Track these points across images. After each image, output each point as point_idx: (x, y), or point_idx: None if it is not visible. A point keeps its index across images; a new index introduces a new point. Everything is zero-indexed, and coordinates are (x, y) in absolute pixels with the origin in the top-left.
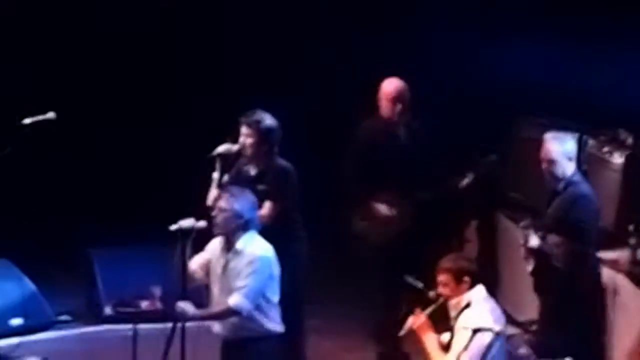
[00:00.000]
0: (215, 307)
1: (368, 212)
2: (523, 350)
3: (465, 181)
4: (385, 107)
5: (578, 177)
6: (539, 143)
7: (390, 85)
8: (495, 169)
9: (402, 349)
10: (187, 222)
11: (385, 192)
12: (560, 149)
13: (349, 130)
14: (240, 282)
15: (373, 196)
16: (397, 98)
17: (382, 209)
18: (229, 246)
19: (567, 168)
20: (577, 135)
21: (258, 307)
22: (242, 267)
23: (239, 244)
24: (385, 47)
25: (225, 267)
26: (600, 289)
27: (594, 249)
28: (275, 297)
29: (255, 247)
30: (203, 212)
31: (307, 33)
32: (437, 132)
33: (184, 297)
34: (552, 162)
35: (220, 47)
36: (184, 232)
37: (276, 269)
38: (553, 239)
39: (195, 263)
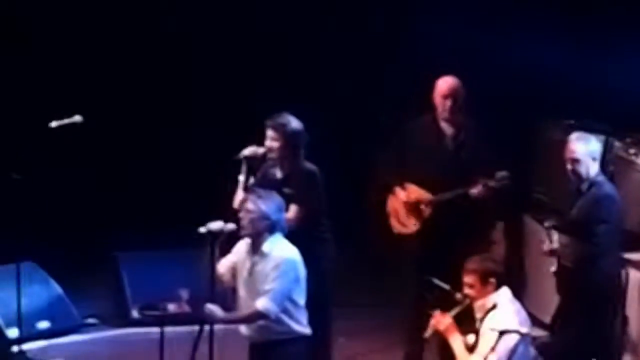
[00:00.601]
0: (243, 310)
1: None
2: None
3: (477, 189)
4: (438, 103)
5: (602, 178)
6: (565, 144)
7: (444, 83)
8: (506, 184)
9: (429, 350)
10: (215, 225)
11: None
12: (585, 149)
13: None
14: (266, 286)
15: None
16: (448, 95)
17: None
18: (255, 249)
19: (591, 168)
20: (603, 137)
21: (285, 310)
22: (269, 271)
23: (265, 247)
24: (401, 48)
25: (251, 270)
26: (620, 290)
27: (618, 249)
28: (302, 300)
29: (281, 250)
30: (229, 214)
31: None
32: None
33: (211, 300)
34: (576, 161)
35: (249, 47)
36: (213, 235)
37: (302, 272)
38: (562, 239)
39: (222, 266)
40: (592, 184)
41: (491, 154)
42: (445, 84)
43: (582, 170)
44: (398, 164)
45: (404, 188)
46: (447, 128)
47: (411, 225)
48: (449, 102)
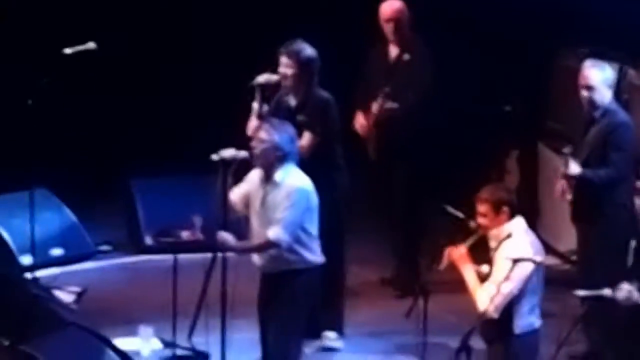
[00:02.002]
0: (255, 239)
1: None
2: None
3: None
4: (382, 27)
5: (615, 106)
6: (579, 72)
7: (386, 7)
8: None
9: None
10: (228, 152)
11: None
12: (600, 76)
13: None
14: (278, 215)
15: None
16: (389, 18)
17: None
18: (267, 178)
19: (606, 96)
20: (617, 64)
21: (297, 239)
22: (280, 200)
23: (277, 176)
24: None
25: (263, 200)
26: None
27: (632, 177)
28: (314, 229)
29: (293, 179)
30: (243, 142)
31: None
32: (479, 61)
33: (224, 228)
34: (590, 88)
35: None
36: (225, 162)
37: (314, 201)
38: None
39: (235, 194)
40: (606, 111)
41: (425, 75)
42: (387, 8)
43: (597, 97)
44: (363, 87)
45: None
46: (392, 49)
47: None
48: (391, 25)
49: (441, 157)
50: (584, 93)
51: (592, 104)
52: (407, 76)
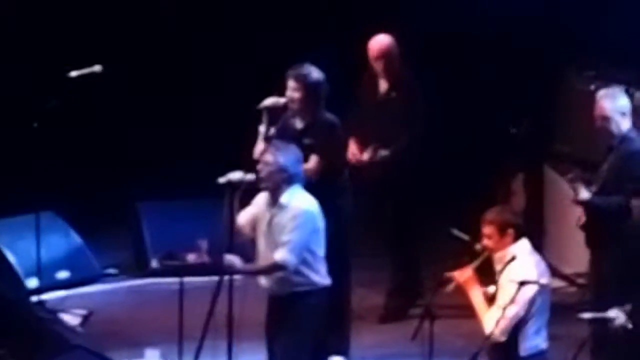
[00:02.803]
0: (261, 262)
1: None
2: None
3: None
4: (371, 63)
5: (634, 134)
6: (587, 94)
7: (374, 44)
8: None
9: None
10: (235, 175)
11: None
12: (613, 105)
13: None
14: (284, 237)
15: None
16: (378, 57)
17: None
18: (273, 201)
19: (622, 124)
20: (624, 87)
21: (304, 262)
22: (286, 222)
23: (283, 198)
24: None
25: (270, 222)
26: None
27: None
28: (320, 251)
29: (299, 201)
30: (250, 165)
31: None
32: (485, 82)
33: (231, 251)
34: (606, 119)
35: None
36: (232, 185)
37: (320, 223)
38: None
39: (242, 217)
40: (623, 139)
41: (416, 115)
42: (375, 45)
43: (612, 127)
44: (354, 120)
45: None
46: (382, 84)
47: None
48: (379, 63)
49: (445, 179)
50: (600, 123)
51: (609, 133)
52: (394, 114)
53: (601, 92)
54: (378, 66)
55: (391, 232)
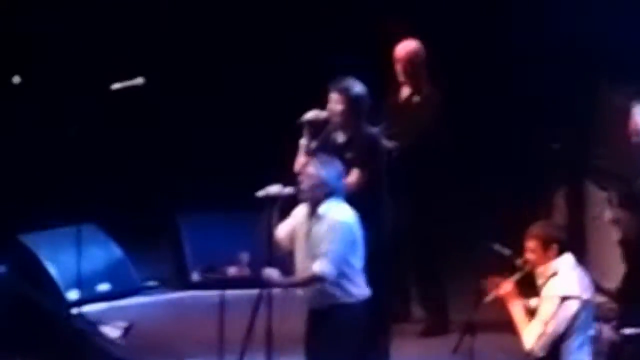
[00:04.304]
0: (300, 274)
1: None
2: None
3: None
4: (395, 67)
5: None
6: (626, 109)
7: (400, 48)
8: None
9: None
10: (274, 189)
11: None
12: None
13: None
14: (322, 249)
15: None
16: (401, 59)
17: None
18: (312, 213)
19: None
20: None
21: (342, 274)
22: (324, 234)
23: (322, 210)
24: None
25: (308, 234)
26: None
27: None
28: (358, 263)
29: (336, 212)
30: (290, 178)
31: None
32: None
33: (270, 264)
34: None
35: (313, 9)
36: (271, 199)
37: (359, 234)
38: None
39: (281, 230)
40: None
41: (423, 117)
42: (400, 49)
43: None
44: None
45: None
46: (404, 90)
47: None
48: (401, 67)
49: (487, 194)
50: (635, 138)
51: None
52: (414, 119)
53: (637, 107)
54: (401, 70)
55: (413, 245)
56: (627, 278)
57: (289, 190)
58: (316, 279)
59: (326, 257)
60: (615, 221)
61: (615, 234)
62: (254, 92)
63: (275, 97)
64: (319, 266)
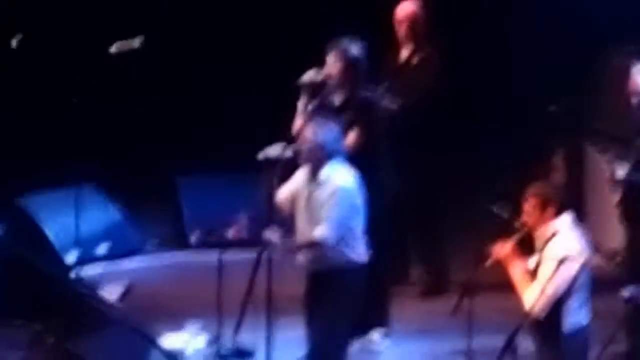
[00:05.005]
0: (300, 237)
1: None
2: None
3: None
4: (396, 28)
5: None
6: (625, 70)
7: (400, 9)
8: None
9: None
10: (274, 151)
11: None
12: None
13: None
14: (323, 214)
15: None
16: (400, 20)
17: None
18: (313, 176)
19: None
20: None
21: (343, 238)
22: (325, 198)
23: (322, 174)
24: None
25: (309, 198)
26: None
27: None
28: (359, 228)
29: (338, 177)
30: (290, 140)
31: None
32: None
33: (270, 226)
34: None
35: None
36: (271, 161)
37: (360, 199)
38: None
39: (281, 193)
40: None
41: (424, 79)
42: (400, 10)
43: None
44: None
45: None
46: (404, 51)
47: None
48: (402, 27)
49: (485, 155)
50: (635, 99)
51: None
52: (410, 79)
53: (636, 68)
54: (402, 31)
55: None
56: (627, 239)
57: (288, 152)
58: (317, 244)
59: (327, 222)
60: (616, 181)
61: (614, 195)
62: (254, 54)
63: (274, 58)
64: (320, 231)
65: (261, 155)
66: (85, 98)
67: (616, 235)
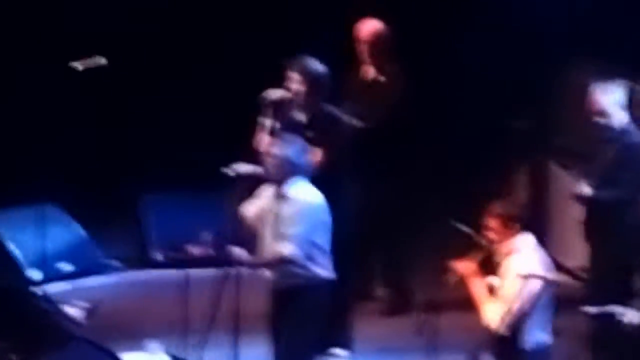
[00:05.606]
0: (267, 254)
1: None
2: None
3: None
4: (357, 47)
5: (632, 127)
6: (587, 88)
7: (362, 28)
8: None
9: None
10: (242, 168)
11: None
12: (608, 99)
13: None
14: (290, 230)
15: None
16: (364, 40)
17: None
18: (279, 193)
19: (619, 117)
20: (626, 81)
21: (309, 255)
22: (292, 215)
23: (289, 191)
24: None
25: (275, 214)
26: None
27: None
28: (325, 244)
29: (304, 194)
30: (254, 158)
31: None
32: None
33: (236, 243)
34: (602, 113)
35: None
36: (238, 177)
37: (326, 216)
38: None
39: (248, 210)
40: (622, 132)
41: (390, 95)
42: (362, 29)
43: (609, 121)
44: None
45: None
46: (368, 70)
47: None
48: (364, 48)
49: (449, 172)
50: (596, 118)
51: (606, 127)
52: (379, 99)
53: (594, 87)
54: (364, 49)
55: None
56: (591, 256)
57: (255, 169)
58: (283, 260)
59: (293, 238)
60: (580, 199)
61: (577, 212)
62: (217, 71)
63: (236, 75)
64: (286, 248)
65: (230, 172)
66: (50, 116)
67: (579, 252)
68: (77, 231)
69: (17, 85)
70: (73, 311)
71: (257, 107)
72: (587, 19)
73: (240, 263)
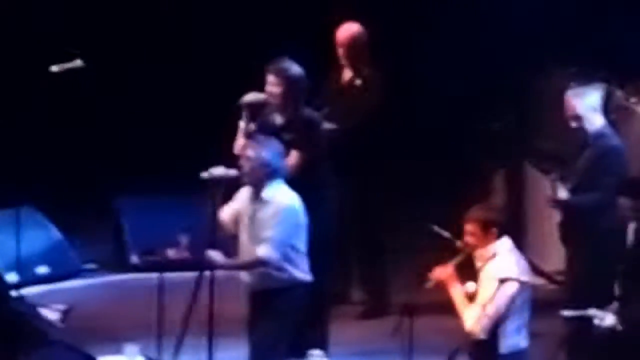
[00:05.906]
0: (244, 257)
1: None
2: None
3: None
4: (337, 51)
5: (608, 130)
6: (563, 92)
7: (341, 31)
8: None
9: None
10: (217, 171)
11: None
12: (584, 103)
13: None
14: (267, 233)
15: None
16: (342, 43)
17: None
18: (256, 195)
19: (595, 121)
20: (604, 85)
21: (286, 257)
22: (269, 217)
23: (266, 194)
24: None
25: (252, 217)
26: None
27: (622, 200)
28: (302, 247)
29: (281, 196)
30: (231, 160)
31: None
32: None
33: (212, 246)
34: (578, 117)
35: None
36: (215, 181)
37: (303, 218)
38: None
39: (224, 213)
40: (598, 136)
41: (368, 99)
42: (341, 32)
43: (586, 125)
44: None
45: None
46: (346, 73)
47: None
48: (342, 51)
49: (426, 175)
50: (573, 123)
51: (583, 131)
52: (356, 102)
53: (570, 92)
54: (343, 53)
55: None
56: (567, 260)
57: (232, 172)
58: (260, 263)
59: (270, 241)
60: (557, 203)
61: (555, 216)
62: (194, 74)
63: (214, 78)
64: (263, 250)
65: (206, 175)
66: (25, 119)
67: (557, 256)
68: (53, 234)
69: None
70: (50, 314)
71: (234, 110)
72: (564, 23)
73: (216, 266)
